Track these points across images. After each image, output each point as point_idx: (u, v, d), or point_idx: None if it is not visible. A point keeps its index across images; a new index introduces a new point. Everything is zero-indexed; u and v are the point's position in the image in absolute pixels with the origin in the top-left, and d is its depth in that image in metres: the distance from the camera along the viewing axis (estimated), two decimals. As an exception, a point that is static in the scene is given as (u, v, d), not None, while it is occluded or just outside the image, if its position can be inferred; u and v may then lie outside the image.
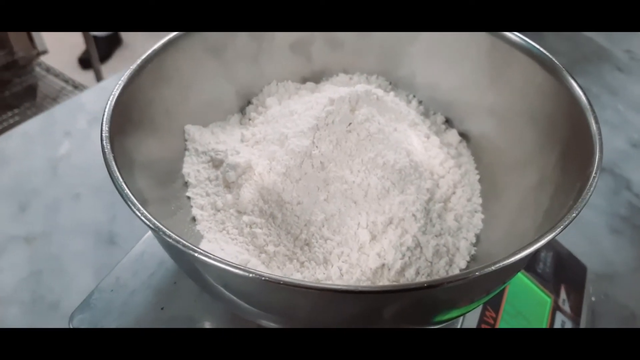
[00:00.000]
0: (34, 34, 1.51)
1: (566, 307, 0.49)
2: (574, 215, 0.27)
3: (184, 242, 0.24)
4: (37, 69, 1.57)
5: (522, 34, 0.40)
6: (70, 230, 0.58)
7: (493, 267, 0.24)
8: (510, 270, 0.29)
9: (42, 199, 0.61)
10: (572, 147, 0.35)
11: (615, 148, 0.72)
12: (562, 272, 0.51)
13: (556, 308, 0.48)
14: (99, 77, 1.57)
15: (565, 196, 0.31)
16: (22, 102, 1.46)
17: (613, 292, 0.55)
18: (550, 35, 0.91)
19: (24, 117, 1.32)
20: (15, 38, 1.47)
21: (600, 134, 0.32)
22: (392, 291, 0.25)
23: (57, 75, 1.56)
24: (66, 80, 1.54)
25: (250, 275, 0.24)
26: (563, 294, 0.50)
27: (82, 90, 1.37)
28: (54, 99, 1.48)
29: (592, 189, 0.29)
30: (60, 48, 1.61)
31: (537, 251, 0.50)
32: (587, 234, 0.61)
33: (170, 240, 0.25)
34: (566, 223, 0.27)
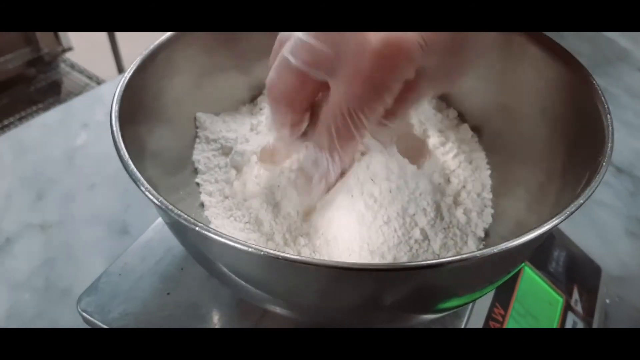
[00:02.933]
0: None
1: (578, 308, 0.48)
2: (581, 202, 0.27)
3: (186, 216, 0.25)
4: (62, 65, 1.60)
5: (536, 27, 0.40)
6: (85, 219, 0.59)
7: (495, 250, 0.24)
8: (512, 257, 0.29)
9: (58, 188, 0.62)
10: (581, 142, 0.34)
11: (635, 150, 0.71)
12: (575, 272, 0.51)
13: (568, 308, 0.47)
14: (120, 71, 1.60)
15: (572, 190, 0.31)
16: (46, 97, 1.49)
17: (628, 295, 0.54)
18: (570, 37, 0.90)
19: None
20: (41, 35, 1.51)
21: (612, 126, 0.32)
22: (390, 269, 0.25)
23: (82, 71, 1.59)
24: (90, 77, 1.56)
25: (250, 249, 0.24)
26: (576, 295, 0.49)
27: (104, 87, 1.38)
28: (78, 94, 1.51)
29: (600, 177, 0.28)
30: (85, 45, 1.63)
31: (550, 247, 0.50)
32: (603, 236, 0.60)
33: (173, 215, 0.25)
34: (572, 210, 0.26)
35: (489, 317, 0.43)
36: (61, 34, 1.56)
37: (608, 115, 0.32)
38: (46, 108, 1.43)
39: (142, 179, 0.26)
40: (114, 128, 0.30)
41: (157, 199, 0.25)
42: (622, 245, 0.59)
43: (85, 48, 1.63)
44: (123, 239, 0.57)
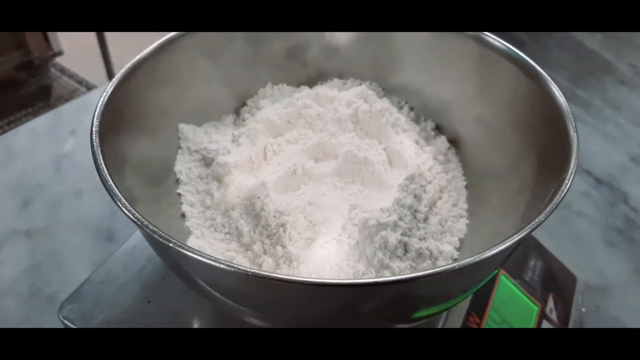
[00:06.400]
0: (50, 35, 1.54)
1: (553, 316, 0.49)
2: (543, 219, 0.28)
3: (160, 231, 0.25)
4: (52, 69, 1.60)
5: (509, 44, 0.41)
6: (71, 226, 0.59)
7: (456, 266, 0.25)
8: (480, 270, 0.30)
9: (45, 194, 0.63)
10: (551, 155, 0.35)
11: (615, 161, 0.72)
12: (551, 281, 0.52)
13: (543, 316, 0.48)
14: (110, 76, 1.60)
15: (540, 202, 0.32)
16: (35, 102, 1.48)
17: (604, 304, 0.55)
18: (554, 49, 0.92)
19: (37, 117, 1.34)
20: (32, 38, 1.50)
21: (578, 141, 0.33)
22: (357, 285, 0.25)
23: (72, 76, 1.58)
24: (80, 82, 1.56)
25: (221, 266, 0.24)
26: (551, 303, 0.50)
27: (93, 92, 1.39)
28: (67, 99, 1.51)
29: (563, 194, 0.29)
30: (75, 49, 1.64)
31: (526, 257, 0.51)
32: (581, 246, 0.61)
33: (148, 231, 0.26)
34: (533, 226, 0.27)
35: (465, 325, 0.44)
36: (52, 38, 1.55)
37: (574, 132, 0.33)
38: (36, 112, 1.43)
39: (119, 194, 0.27)
40: (94, 143, 0.30)
41: (133, 215, 0.26)
42: (600, 255, 0.60)
43: (75, 52, 1.63)
44: (109, 246, 0.57)
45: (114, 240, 0.58)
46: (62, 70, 1.61)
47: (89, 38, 1.59)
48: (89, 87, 1.55)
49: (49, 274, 0.55)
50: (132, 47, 0.41)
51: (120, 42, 1.59)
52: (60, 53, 1.60)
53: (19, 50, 1.51)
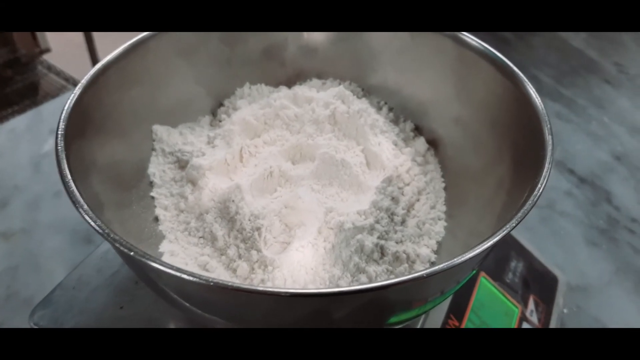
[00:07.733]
0: (37, 32, 1.53)
1: (534, 318, 0.49)
2: (514, 224, 0.27)
3: (121, 239, 0.25)
4: (39, 67, 1.58)
5: (492, 43, 0.41)
6: (49, 228, 0.59)
7: (424, 274, 0.25)
8: (454, 275, 0.30)
9: (23, 195, 0.62)
10: (526, 156, 0.35)
11: (598, 160, 0.72)
12: (532, 282, 0.51)
13: (523, 319, 0.48)
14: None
15: (515, 204, 0.32)
16: (22, 100, 1.47)
17: (586, 305, 0.55)
18: (539, 47, 0.92)
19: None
20: (19, 35, 1.49)
21: (552, 144, 0.32)
22: (324, 295, 0.25)
23: (59, 73, 1.57)
24: (67, 79, 1.55)
25: (184, 276, 0.24)
26: (531, 305, 0.50)
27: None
28: (55, 97, 1.49)
29: (535, 198, 0.29)
30: (63, 46, 1.62)
31: (507, 258, 0.50)
32: (563, 246, 0.61)
33: (109, 239, 0.25)
34: (503, 232, 0.27)
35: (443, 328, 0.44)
36: (39, 35, 1.54)
37: (549, 135, 0.33)
38: (22, 110, 1.41)
39: (81, 201, 0.27)
40: (59, 148, 0.30)
41: (95, 222, 0.26)
42: (582, 255, 0.60)
43: (62, 50, 1.62)
44: (87, 249, 0.56)
45: (93, 243, 0.57)
46: (49, 68, 1.59)
47: (76, 35, 1.58)
48: (77, 85, 1.54)
49: (26, 276, 0.54)
50: (120, 44, 0.40)
51: (108, 39, 1.57)
52: (47, 50, 1.59)
53: (6, 47, 1.49)
